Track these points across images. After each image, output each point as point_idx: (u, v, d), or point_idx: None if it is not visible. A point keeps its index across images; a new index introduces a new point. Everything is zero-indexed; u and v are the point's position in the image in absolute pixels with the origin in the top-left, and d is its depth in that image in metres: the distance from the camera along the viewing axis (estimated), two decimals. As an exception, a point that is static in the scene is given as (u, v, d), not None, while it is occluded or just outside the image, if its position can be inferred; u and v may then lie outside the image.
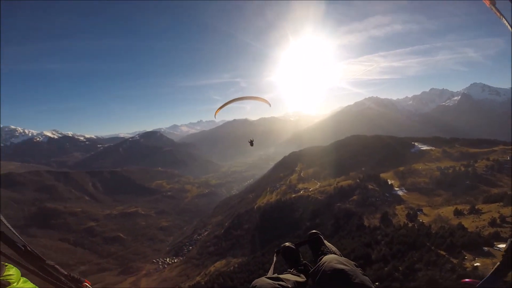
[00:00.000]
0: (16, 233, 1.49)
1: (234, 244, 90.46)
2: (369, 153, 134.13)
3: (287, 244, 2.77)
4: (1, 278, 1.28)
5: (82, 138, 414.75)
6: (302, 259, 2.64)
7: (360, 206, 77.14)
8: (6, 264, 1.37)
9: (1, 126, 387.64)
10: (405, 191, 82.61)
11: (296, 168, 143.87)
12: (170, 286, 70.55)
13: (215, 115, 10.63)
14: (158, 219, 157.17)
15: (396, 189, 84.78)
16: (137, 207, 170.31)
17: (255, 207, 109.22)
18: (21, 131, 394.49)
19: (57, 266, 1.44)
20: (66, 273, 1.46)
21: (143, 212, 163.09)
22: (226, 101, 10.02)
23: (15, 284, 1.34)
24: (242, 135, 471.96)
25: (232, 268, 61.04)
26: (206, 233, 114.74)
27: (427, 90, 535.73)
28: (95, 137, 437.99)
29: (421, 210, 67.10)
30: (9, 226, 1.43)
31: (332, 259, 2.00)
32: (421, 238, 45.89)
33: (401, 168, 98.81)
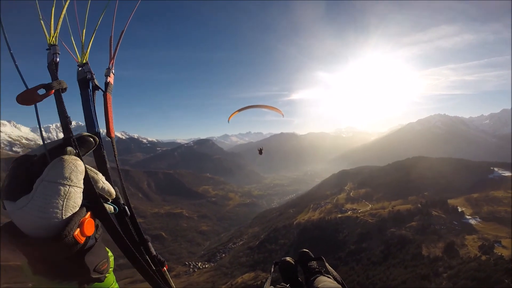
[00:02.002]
0: (125, 192, 1.32)
1: (266, 258, 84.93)
2: (434, 177, 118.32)
3: (287, 258, 2.72)
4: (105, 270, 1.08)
5: (145, 140, 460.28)
6: (298, 277, 2.56)
7: (419, 233, 67.11)
8: (108, 250, 1.22)
9: (82, 124, 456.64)
10: (479, 220, 70.77)
11: (345, 187, 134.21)
12: (194, 291, 68.49)
13: (228, 119, 10.80)
14: (199, 222, 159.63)
15: (468, 217, 73.16)
16: (182, 208, 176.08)
17: (294, 223, 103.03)
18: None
19: (150, 244, 1.33)
20: (154, 253, 1.36)
21: (187, 214, 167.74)
22: (241, 107, 10.36)
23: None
24: (288, 149, 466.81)
25: (259, 282, 56.13)
26: (241, 242, 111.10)
27: (508, 107, 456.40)
28: (156, 141, 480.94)
29: (500, 242, 56.27)
30: (121, 176, 1.32)
31: (330, 286, 1.87)
32: (498, 274, 38.67)
33: (475, 195, 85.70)
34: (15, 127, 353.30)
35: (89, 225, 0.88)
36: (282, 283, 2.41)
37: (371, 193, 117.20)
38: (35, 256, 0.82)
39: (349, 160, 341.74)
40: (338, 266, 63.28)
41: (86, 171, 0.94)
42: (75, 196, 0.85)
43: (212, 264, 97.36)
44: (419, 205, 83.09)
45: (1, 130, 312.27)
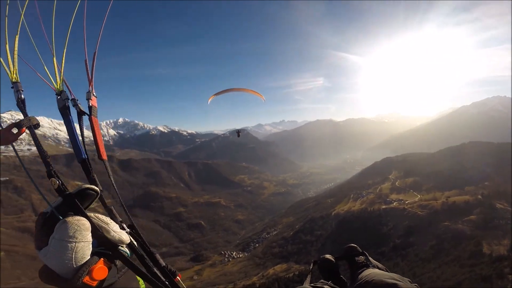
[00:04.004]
0: (127, 211, 1.42)
1: (301, 249, 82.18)
2: (496, 164, 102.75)
3: (327, 256, 2.61)
4: None
5: (185, 133, 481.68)
6: (340, 274, 2.52)
7: (479, 228, 58.95)
8: (139, 280, 1.32)
9: (128, 120, 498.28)
10: (555, 215, 59.64)
11: (390, 176, 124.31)
12: (227, 281, 68.70)
13: (208, 100, 11.16)
14: (236, 211, 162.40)
15: (541, 211, 61.81)
16: (220, 198, 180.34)
17: (333, 213, 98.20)
18: (142, 125, 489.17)
19: (157, 256, 1.36)
20: (164, 264, 1.38)
21: (224, 204, 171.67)
22: (220, 90, 10.87)
23: None
24: (325, 136, 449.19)
25: (291, 275, 53.75)
26: (274, 232, 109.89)
27: None
28: (195, 133, 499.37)
29: None
30: (122, 203, 1.39)
31: (382, 274, 1.85)
32: None
33: (551, 186, 71.73)
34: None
35: (99, 271, 1.02)
36: (322, 280, 2.28)
37: (420, 183, 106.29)
38: None
39: (393, 146, 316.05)
40: (380, 261, 57.18)
41: (93, 225, 1.07)
42: (83, 250, 1.01)
43: (246, 254, 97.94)
44: (479, 196, 73.02)
45: (60, 129, 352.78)
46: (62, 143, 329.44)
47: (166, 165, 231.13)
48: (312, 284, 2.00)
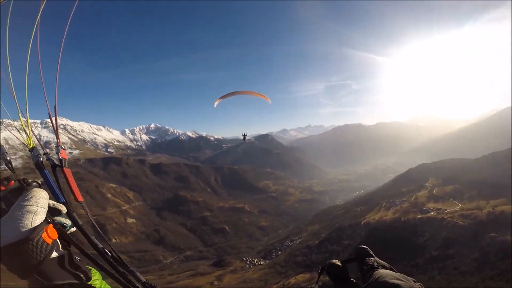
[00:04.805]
0: (105, 238, 1.63)
1: (326, 259, 75.59)
2: None
3: (334, 261, 2.68)
4: (90, 283, 1.37)
5: (212, 138, 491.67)
6: (349, 278, 2.59)
7: None
8: (90, 267, 1.46)
9: (160, 126, 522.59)
10: None
11: (427, 184, 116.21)
12: (246, 289, 67.57)
13: (214, 104, 11.72)
14: (259, 217, 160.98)
15: None
16: (244, 203, 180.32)
17: (362, 222, 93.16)
18: (172, 130, 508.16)
19: (138, 273, 1.50)
20: (144, 280, 1.53)
21: (248, 209, 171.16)
22: (225, 94, 11.15)
23: None
24: (354, 141, 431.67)
25: (314, 285, 50.64)
26: (299, 240, 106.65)
27: None
28: (221, 138, 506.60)
29: None
30: (99, 230, 1.59)
31: (387, 274, 1.93)
32: None
33: None
34: (108, 131, 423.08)
35: (52, 230, 1.21)
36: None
37: (461, 191, 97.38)
38: (15, 265, 1.10)
39: (428, 152, 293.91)
40: (414, 274, 53.37)
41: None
42: (42, 215, 1.21)
43: (268, 262, 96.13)
44: (532, 206, 63.90)
45: (98, 134, 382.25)
46: (100, 147, 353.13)
47: (194, 169, 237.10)
48: None
